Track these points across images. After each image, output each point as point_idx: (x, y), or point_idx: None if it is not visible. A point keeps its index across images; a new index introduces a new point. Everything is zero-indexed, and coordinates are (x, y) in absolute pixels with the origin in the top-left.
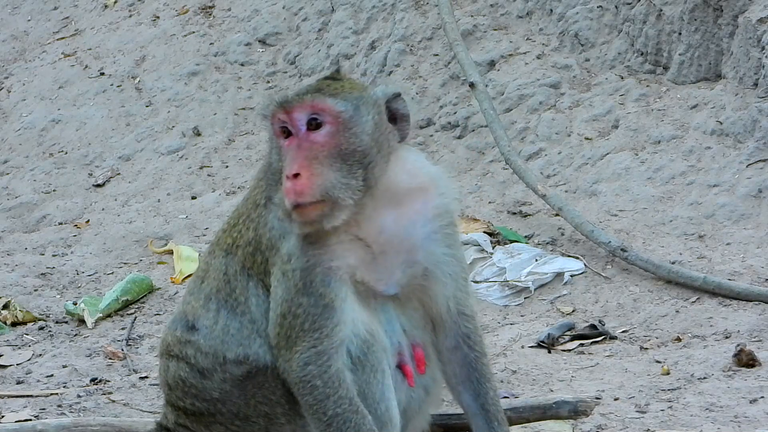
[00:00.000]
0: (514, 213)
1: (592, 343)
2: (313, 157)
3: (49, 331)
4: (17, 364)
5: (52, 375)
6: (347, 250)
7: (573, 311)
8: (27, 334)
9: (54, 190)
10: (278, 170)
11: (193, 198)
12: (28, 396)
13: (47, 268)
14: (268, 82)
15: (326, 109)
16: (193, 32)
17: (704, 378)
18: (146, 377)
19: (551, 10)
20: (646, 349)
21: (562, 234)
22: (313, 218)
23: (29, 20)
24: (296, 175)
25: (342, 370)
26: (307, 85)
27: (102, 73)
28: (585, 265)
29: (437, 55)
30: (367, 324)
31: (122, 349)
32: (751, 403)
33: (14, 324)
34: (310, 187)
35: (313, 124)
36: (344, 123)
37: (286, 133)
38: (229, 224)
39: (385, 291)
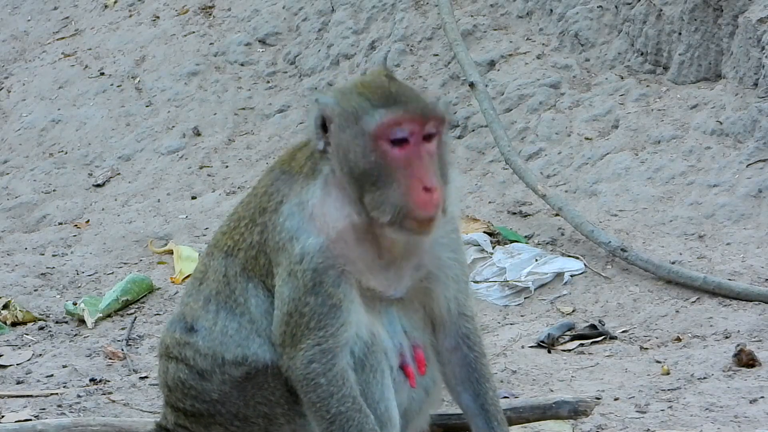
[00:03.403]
0: (514, 213)
1: (592, 343)
2: (434, 169)
3: (49, 331)
4: (17, 364)
5: (52, 375)
6: (360, 257)
7: (573, 311)
8: (27, 334)
9: (54, 190)
10: (372, 175)
11: (193, 198)
12: (28, 396)
13: (47, 268)
14: (268, 82)
15: (443, 120)
16: (193, 32)
17: (704, 378)
18: (146, 377)
19: (551, 10)
20: (646, 349)
21: (562, 234)
22: (432, 229)
23: (29, 20)
24: (428, 188)
25: (346, 369)
26: (413, 92)
27: (102, 73)
28: (585, 265)
29: (437, 55)
30: (369, 325)
31: (122, 349)
32: (751, 403)
33: (14, 324)
34: (441, 200)
35: (430, 136)
36: (445, 133)
37: (396, 141)
38: (229, 227)
39: (393, 295)
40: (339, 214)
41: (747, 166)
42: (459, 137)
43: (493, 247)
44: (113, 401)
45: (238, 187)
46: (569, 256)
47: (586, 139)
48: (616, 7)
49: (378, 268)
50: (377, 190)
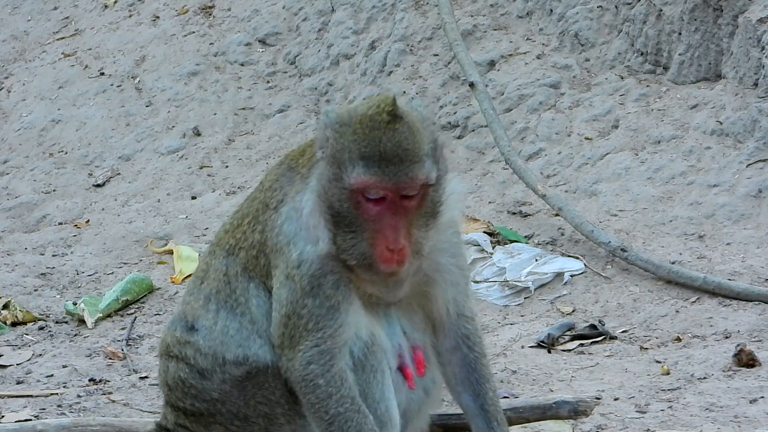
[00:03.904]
0: (514, 213)
1: (592, 343)
2: (406, 224)
3: (49, 331)
4: (17, 364)
5: (52, 375)
6: (357, 266)
7: (573, 311)
8: (27, 334)
9: (54, 190)
10: (345, 218)
11: (193, 198)
12: (28, 396)
13: (47, 268)
14: (268, 82)
15: (426, 184)
16: (193, 32)
17: (704, 378)
18: (146, 377)
19: (551, 10)
20: (646, 349)
21: (562, 234)
22: (397, 276)
23: (29, 20)
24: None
25: (344, 370)
26: (404, 146)
27: (102, 73)
28: (585, 265)
29: (437, 55)
30: (369, 326)
31: (122, 349)
32: (751, 403)
33: (14, 324)
34: (408, 256)
35: (409, 196)
36: (432, 187)
37: (371, 199)
38: (232, 225)
39: (392, 300)
40: (325, 231)
41: (747, 166)
42: (459, 137)
43: (493, 247)
44: (113, 401)
45: (238, 187)
46: (569, 256)
47: (586, 139)
48: (616, 7)
49: (375, 277)
50: (347, 235)
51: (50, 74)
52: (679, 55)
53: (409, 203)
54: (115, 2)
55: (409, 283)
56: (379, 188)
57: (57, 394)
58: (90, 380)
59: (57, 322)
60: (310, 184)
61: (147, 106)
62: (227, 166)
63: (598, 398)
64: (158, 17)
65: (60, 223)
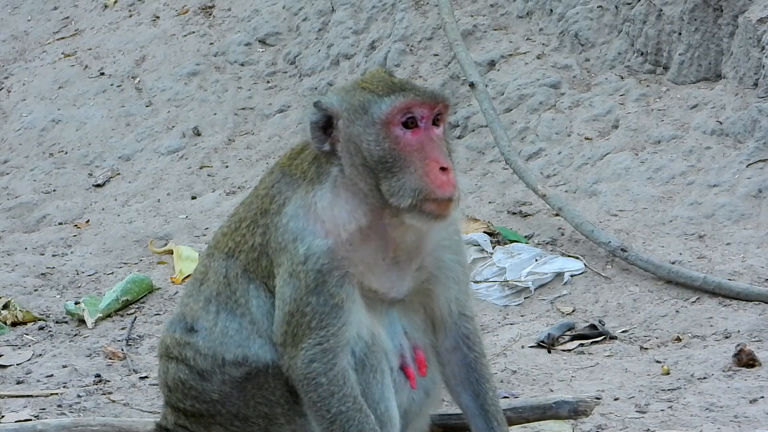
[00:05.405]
0: (514, 213)
1: (592, 343)
2: (446, 151)
3: (49, 331)
4: (17, 364)
5: (52, 375)
6: (365, 259)
7: (573, 311)
8: (27, 334)
9: (54, 190)
10: (387, 162)
11: (193, 198)
12: (28, 396)
13: (47, 268)
14: (268, 82)
15: (448, 104)
16: (193, 32)
17: (704, 378)
18: (146, 377)
19: (551, 10)
20: (646, 349)
21: (562, 234)
22: (451, 213)
23: (29, 20)
24: (444, 168)
25: (347, 369)
26: (414, 83)
27: (102, 73)
28: (585, 265)
29: (437, 55)
30: (370, 326)
31: (122, 349)
32: (751, 403)
33: (14, 324)
34: (456, 181)
35: (437, 120)
36: (448, 113)
37: (407, 125)
38: (229, 228)
39: (395, 297)
40: (349, 217)
41: (747, 166)
42: (459, 137)
43: (493, 247)
44: (113, 401)
45: (238, 187)
46: (569, 256)
47: (586, 139)
48: (616, 7)
49: (381, 270)
50: (393, 177)
51: (50, 74)
52: (679, 55)
53: (439, 130)
54: (115, 2)
55: (412, 280)
56: (412, 106)
57: (57, 394)
58: (96, 376)
59: (57, 322)
60: (329, 175)
61: (147, 106)
62: (227, 166)
63: (598, 398)
64: (158, 17)
65: (60, 223)
